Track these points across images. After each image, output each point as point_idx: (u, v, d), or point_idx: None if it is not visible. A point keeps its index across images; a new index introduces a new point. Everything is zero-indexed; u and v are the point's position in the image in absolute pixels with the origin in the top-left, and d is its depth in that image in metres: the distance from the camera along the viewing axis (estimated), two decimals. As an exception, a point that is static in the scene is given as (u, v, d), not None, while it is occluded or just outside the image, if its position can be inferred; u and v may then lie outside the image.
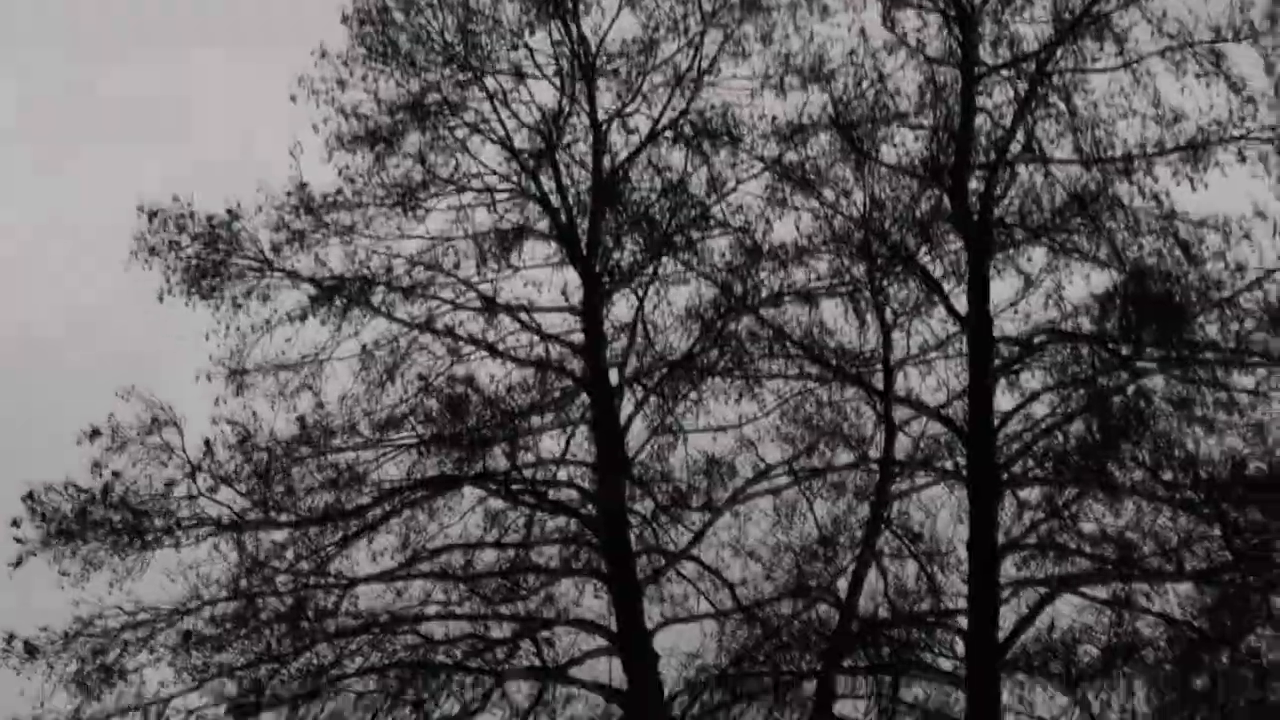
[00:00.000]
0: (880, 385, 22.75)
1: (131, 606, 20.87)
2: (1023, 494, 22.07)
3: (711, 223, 23.12)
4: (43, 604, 21.11)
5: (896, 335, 22.86)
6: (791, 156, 22.97)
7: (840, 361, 22.76)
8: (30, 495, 20.65)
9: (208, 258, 21.93)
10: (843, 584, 22.36)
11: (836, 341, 22.99)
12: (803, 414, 23.32)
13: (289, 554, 21.73)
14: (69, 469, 21.01)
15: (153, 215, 21.83)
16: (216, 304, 22.13)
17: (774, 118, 23.05)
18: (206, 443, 21.30)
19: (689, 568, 23.01)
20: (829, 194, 22.84)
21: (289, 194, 22.42)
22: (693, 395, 23.12)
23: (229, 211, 21.95)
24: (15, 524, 20.60)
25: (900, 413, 22.79)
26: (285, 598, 21.51)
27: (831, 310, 22.97)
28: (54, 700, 20.54)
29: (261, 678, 21.38)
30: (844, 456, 23.06)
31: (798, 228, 22.92)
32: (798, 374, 23.01)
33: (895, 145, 22.79)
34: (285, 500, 21.69)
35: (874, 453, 22.82)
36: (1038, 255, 22.38)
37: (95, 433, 20.88)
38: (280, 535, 21.73)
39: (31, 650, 20.50)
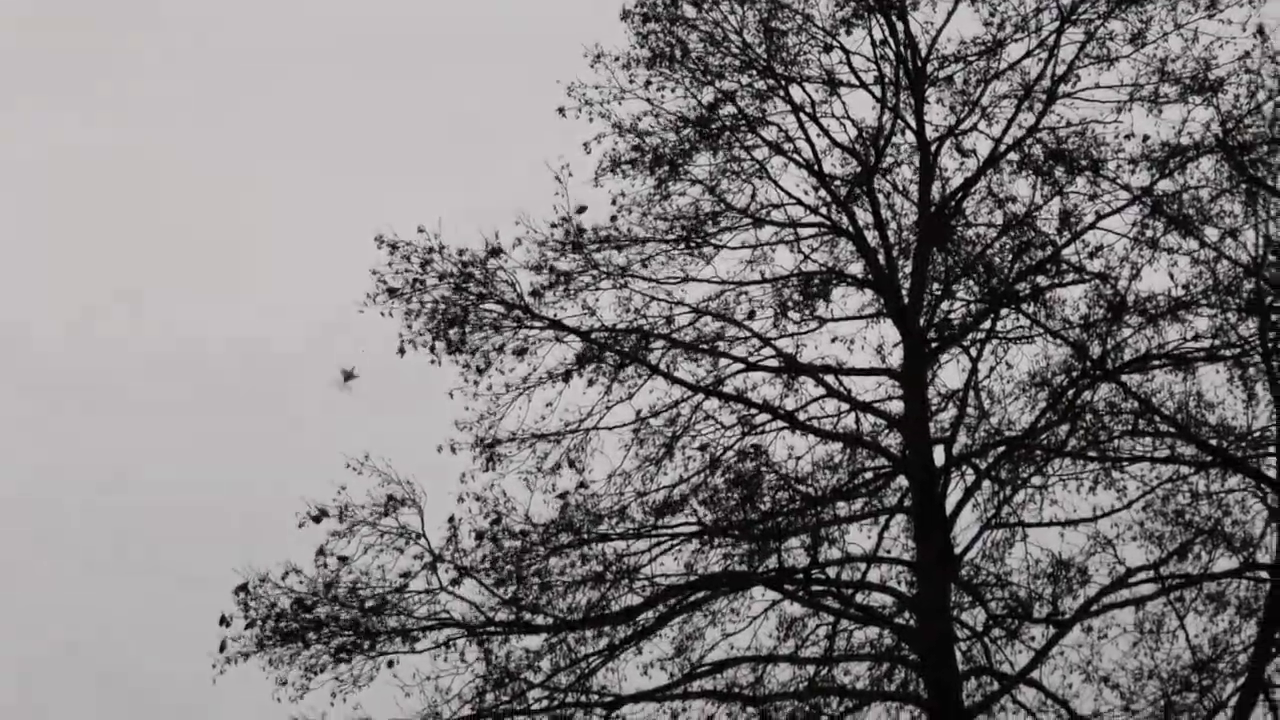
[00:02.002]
0: (1273, 473, 19.31)
1: None
2: None
3: (1064, 267, 19.52)
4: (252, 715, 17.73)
5: (1293, 412, 19.37)
6: (1166, 186, 19.43)
7: (1222, 443, 19.22)
8: (244, 588, 17.14)
9: (457, 302, 18.27)
10: (1222, 721, 18.84)
11: (1218, 417, 19.61)
12: (1173, 507, 19.72)
13: (544, 664, 18.38)
14: (288, 550, 17.45)
15: (394, 248, 18.22)
16: (466, 359, 18.41)
17: (1145, 138, 19.53)
18: (451, 524, 17.65)
19: (1028, 694, 19.35)
20: (1212, 233, 19.45)
21: (553, 227, 18.93)
22: (1036, 480, 19.52)
23: (490, 248, 18.23)
24: (224, 621, 17.11)
25: (1297, 509, 19.26)
26: (539, 717, 18.14)
27: (1212, 379, 19.65)
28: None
29: (511, 815, 17.95)
30: (1225, 562, 19.55)
31: (1171, 275, 19.46)
32: (1168, 457, 19.42)
33: (1298, 174, 19.16)
34: (541, 598, 18.21)
35: (1264, 557, 19.39)
36: None
37: (321, 514, 17.30)
38: (534, 641, 18.41)
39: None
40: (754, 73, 19.31)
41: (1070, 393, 19.18)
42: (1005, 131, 19.55)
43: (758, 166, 19.54)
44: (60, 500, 31.32)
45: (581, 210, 18.62)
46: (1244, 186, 19.21)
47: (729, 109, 19.35)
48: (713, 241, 19.47)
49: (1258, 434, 19.33)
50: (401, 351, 18.40)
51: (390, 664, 17.43)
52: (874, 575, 19.36)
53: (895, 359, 19.51)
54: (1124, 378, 19.23)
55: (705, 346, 19.22)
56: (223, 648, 17.04)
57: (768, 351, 19.40)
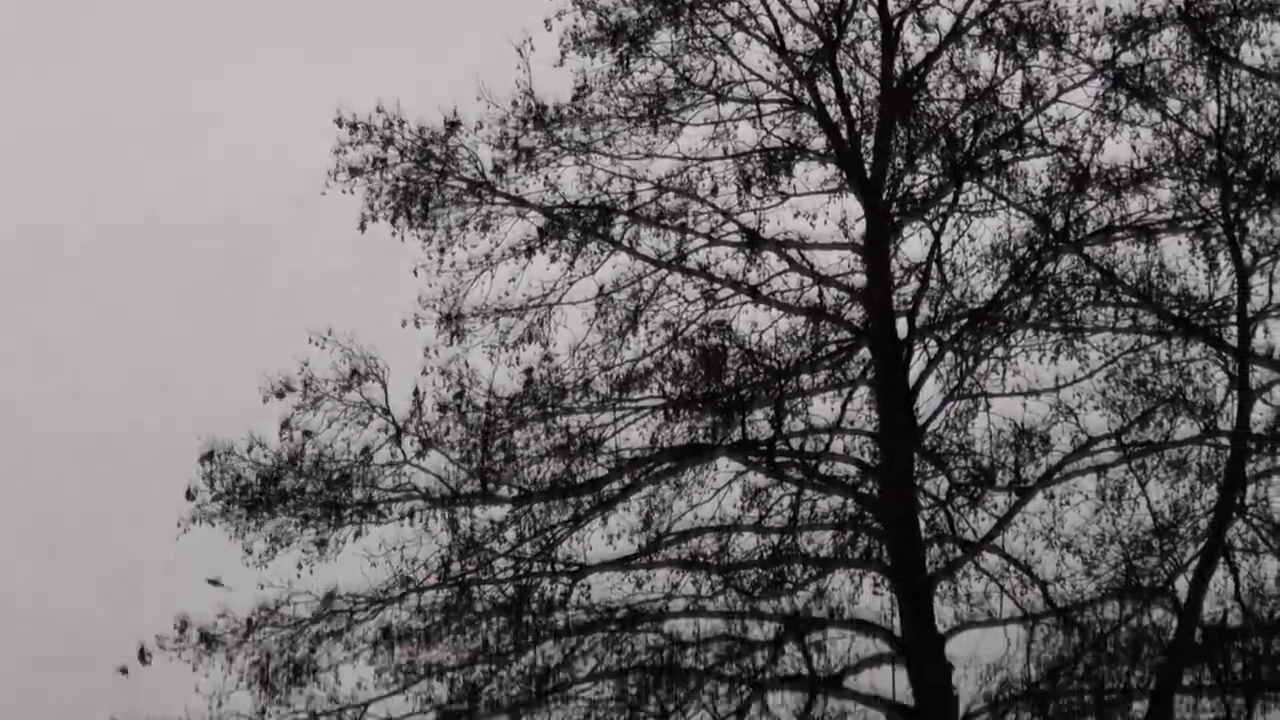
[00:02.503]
0: (1234, 341, 19.19)
1: (324, 593, 17.83)
2: None
3: (1026, 140, 19.51)
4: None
5: (1255, 280, 19.29)
6: (1128, 59, 19.36)
7: (1184, 312, 19.23)
8: (209, 456, 17.47)
9: (418, 179, 18.44)
10: (1183, 584, 18.98)
11: (1180, 287, 19.55)
12: (1135, 375, 19.72)
13: (509, 534, 18.62)
14: (253, 424, 17.81)
15: (354, 127, 18.40)
16: (428, 234, 18.62)
17: (1107, 10, 19.41)
18: (415, 397, 17.90)
19: (991, 561, 19.56)
20: (1174, 105, 19.39)
21: (515, 104, 18.98)
22: (999, 351, 19.54)
23: (448, 122, 18.38)
24: (190, 495, 17.47)
25: (1259, 375, 19.34)
26: (505, 586, 18.44)
27: (1174, 249, 19.57)
28: (234, 700, 17.49)
29: (476, 680, 18.38)
30: (1186, 429, 19.57)
31: (1134, 147, 19.47)
32: (1130, 326, 19.45)
33: (1260, 44, 19.17)
34: (506, 470, 18.38)
35: (1224, 424, 19.33)
36: None
37: (285, 389, 17.59)
38: (500, 512, 18.62)
39: (209, 641, 17.48)
40: (715, -54, 19.33)
41: (1033, 264, 19.20)
42: (968, 6, 19.48)
43: (720, 43, 19.53)
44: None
45: (532, 94, 18.67)
46: (1206, 58, 19.13)
47: (690, -17, 19.38)
48: (675, 119, 19.51)
49: (1219, 303, 19.23)
50: (363, 227, 18.62)
51: (357, 535, 17.77)
52: (837, 446, 19.45)
53: (858, 233, 19.52)
54: (1086, 249, 19.25)
55: (668, 222, 19.34)
56: (190, 496, 17.41)
57: (730, 226, 19.42)
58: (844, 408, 19.59)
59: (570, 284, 19.21)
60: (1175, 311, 19.16)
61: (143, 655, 17.31)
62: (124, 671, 17.04)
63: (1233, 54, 19.11)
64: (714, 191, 19.53)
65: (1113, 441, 19.28)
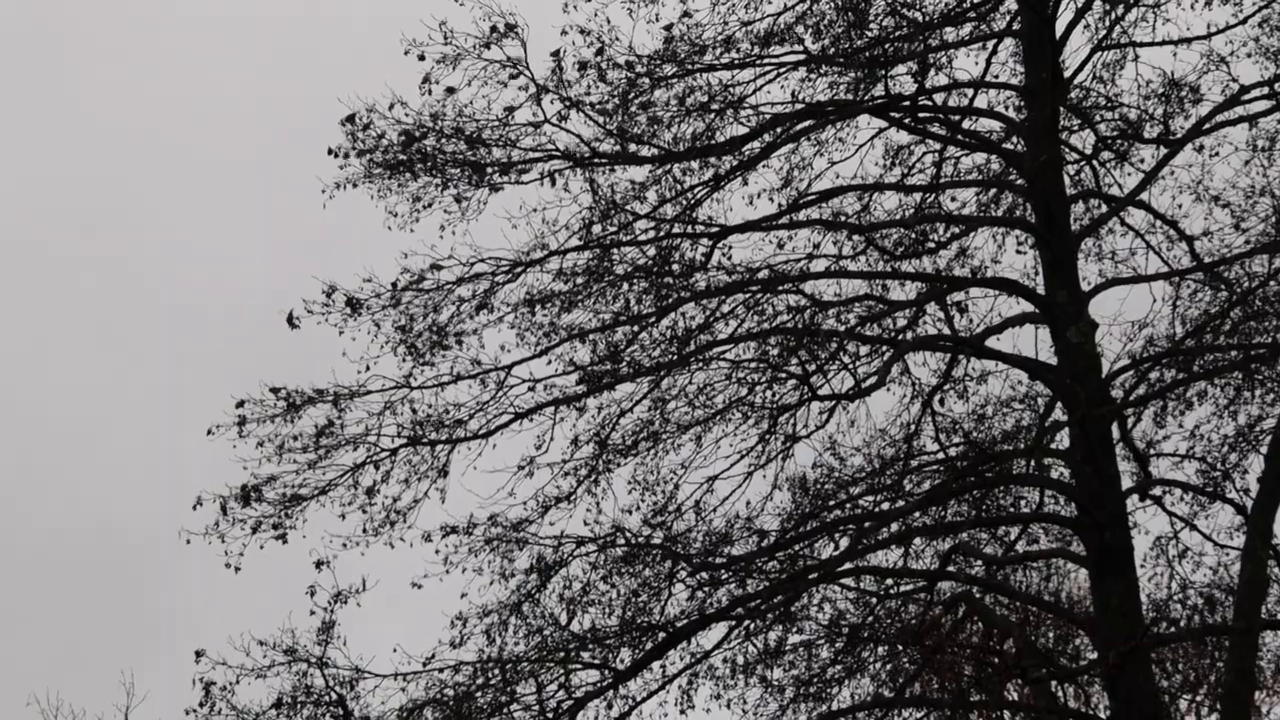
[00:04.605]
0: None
1: (467, 256, 17.47)
2: None
3: None
4: (363, 253, 17.85)
5: None
6: None
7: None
8: (351, 119, 17.01)
9: None
10: (1334, 236, 18.51)
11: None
12: (1292, 21, 18.85)
13: (650, 195, 18.20)
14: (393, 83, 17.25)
15: None
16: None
17: None
18: (555, 56, 17.30)
19: (1137, 216, 19.26)
20: None
21: None
22: (1149, -1, 18.60)
23: None
24: (332, 153, 17.07)
25: None
26: (646, 248, 18.06)
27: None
28: (380, 364, 17.34)
29: (618, 342, 18.17)
30: (1344, 75, 18.78)
31: None
32: (1287, -32, 18.52)
33: None
34: (646, 130, 17.81)
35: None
36: None
37: (423, 54, 17.00)
38: (640, 173, 18.19)
39: (355, 305, 17.20)
40: None
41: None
42: None
43: None
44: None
45: None
46: None
47: None
48: None
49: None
50: None
51: (496, 189, 17.37)
52: (982, 101, 19.03)
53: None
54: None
55: None
56: (333, 154, 17.01)
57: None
58: (989, 61, 19.08)
59: (712, -65, 18.38)
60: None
61: (291, 320, 17.10)
62: (292, 323, 16.87)
63: None
64: None
65: (1265, 90, 18.58)
